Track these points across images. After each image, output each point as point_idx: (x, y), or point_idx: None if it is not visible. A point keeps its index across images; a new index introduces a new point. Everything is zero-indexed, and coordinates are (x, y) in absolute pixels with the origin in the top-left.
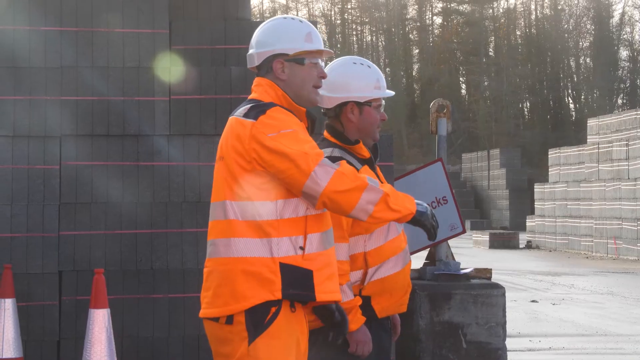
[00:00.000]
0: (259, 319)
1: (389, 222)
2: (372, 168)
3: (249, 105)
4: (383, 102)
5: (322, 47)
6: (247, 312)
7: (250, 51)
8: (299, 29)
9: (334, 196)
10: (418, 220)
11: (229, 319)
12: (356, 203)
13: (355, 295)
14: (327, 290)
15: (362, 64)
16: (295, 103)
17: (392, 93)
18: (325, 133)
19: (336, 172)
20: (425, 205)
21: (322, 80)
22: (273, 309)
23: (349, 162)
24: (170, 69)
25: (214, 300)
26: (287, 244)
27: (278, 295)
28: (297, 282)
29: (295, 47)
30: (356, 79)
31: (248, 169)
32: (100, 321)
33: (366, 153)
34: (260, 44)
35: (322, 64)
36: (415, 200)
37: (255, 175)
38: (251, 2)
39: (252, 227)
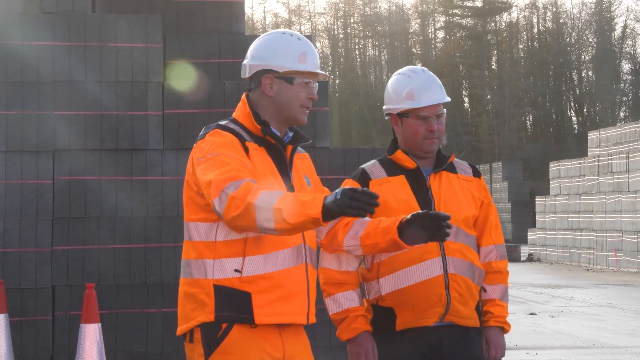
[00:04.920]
0: (211, 336)
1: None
2: (417, 179)
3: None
4: (443, 111)
5: (314, 69)
6: (202, 329)
7: (244, 61)
8: (293, 48)
9: (233, 222)
10: (331, 215)
11: (190, 337)
12: (255, 223)
13: (352, 306)
14: (272, 313)
15: (404, 74)
16: (280, 121)
17: (427, 103)
18: None
19: (229, 198)
20: (338, 192)
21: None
22: (224, 326)
23: (373, 175)
24: (164, 83)
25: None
26: (223, 266)
27: (211, 317)
28: (232, 304)
29: (285, 65)
30: (390, 91)
31: (194, 189)
32: (91, 336)
33: (410, 164)
34: (253, 56)
35: (316, 85)
36: (328, 195)
37: (200, 197)
38: (253, 17)
39: (194, 248)
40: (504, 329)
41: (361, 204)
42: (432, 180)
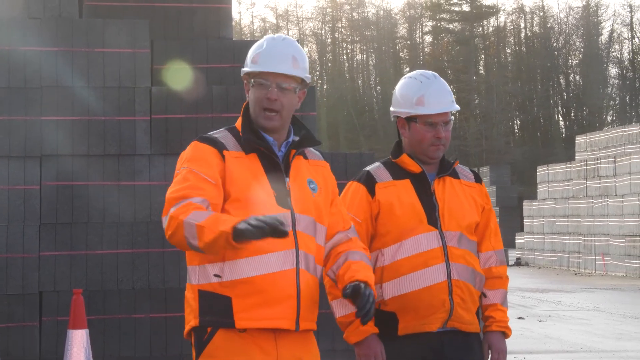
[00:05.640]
0: (200, 339)
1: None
2: (421, 184)
3: None
4: (451, 118)
5: (265, 68)
6: (193, 332)
7: None
8: (253, 49)
9: (171, 240)
10: (241, 234)
11: (191, 340)
12: (185, 241)
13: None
14: (253, 317)
15: (415, 79)
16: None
17: (437, 111)
18: None
19: (169, 217)
20: (255, 220)
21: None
22: (209, 329)
23: (379, 177)
24: (152, 88)
25: None
26: (205, 271)
27: (197, 321)
28: (214, 308)
29: (244, 69)
30: (400, 94)
31: None
32: (78, 342)
33: (416, 168)
34: None
35: (288, 87)
36: (245, 219)
37: None
38: (240, 22)
39: (187, 255)
40: (505, 333)
41: (264, 225)
42: (436, 185)
